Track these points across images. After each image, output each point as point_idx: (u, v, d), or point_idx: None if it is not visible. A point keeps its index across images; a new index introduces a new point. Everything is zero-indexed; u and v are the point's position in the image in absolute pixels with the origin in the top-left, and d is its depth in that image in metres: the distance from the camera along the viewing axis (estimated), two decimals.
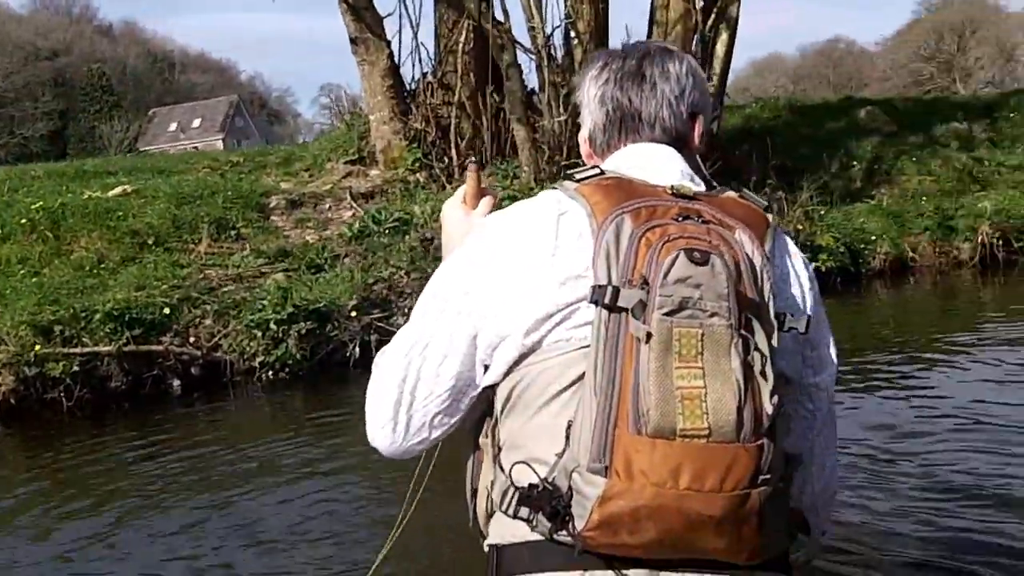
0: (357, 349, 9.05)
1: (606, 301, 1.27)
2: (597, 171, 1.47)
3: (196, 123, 71.78)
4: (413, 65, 12.82)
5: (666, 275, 1.25)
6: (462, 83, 12.38)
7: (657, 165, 1.52)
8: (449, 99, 12.45)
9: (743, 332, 1.25)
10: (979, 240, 12.67)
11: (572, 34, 11.76)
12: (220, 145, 59.99)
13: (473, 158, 1.86)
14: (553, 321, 1.37)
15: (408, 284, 9.72)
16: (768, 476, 1.25)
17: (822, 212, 12.27)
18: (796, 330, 1.35)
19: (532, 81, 12.04)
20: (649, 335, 1.24)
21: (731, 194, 1.46)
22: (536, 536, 1.35)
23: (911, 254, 12.76)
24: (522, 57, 11.73)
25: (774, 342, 1.30)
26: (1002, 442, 5.26)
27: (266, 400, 8.58)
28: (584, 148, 1.68)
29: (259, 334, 8.85)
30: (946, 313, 10.64)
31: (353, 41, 12.41)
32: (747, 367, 1.25)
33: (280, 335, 8.83)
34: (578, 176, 1.47)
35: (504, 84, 11.48)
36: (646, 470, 1.22)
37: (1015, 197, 13.68)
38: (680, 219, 1.33)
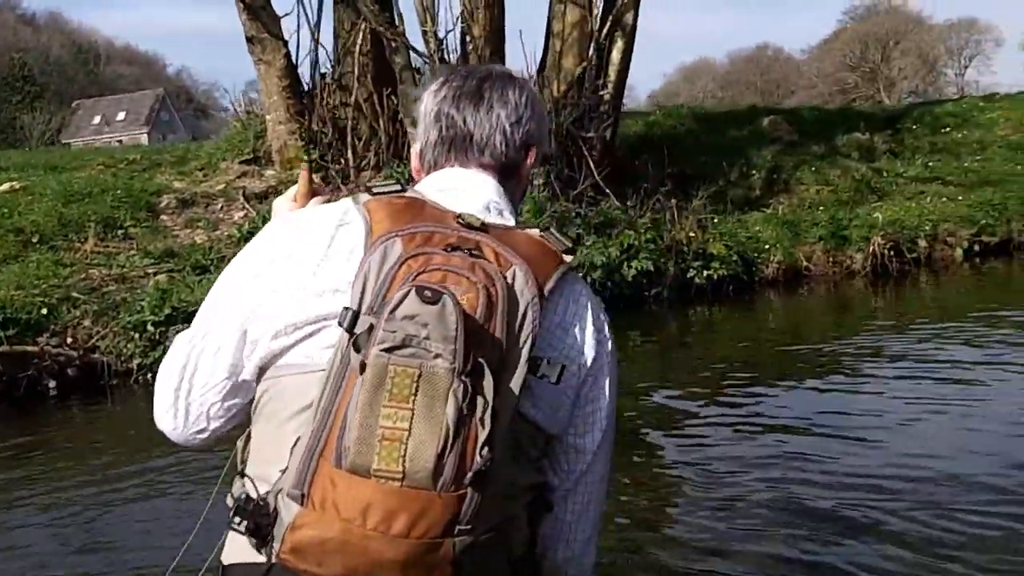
0: None
1: (346, 324, 1.25)
2: (396, 188, 1.45)
3: (121, 116, 70.41)
4: (311, 66, 12.56)
5: (393, 310, 1.22)
6: (359, 84, 12.27)
7: (465, 191, 1.49)
8: (346, 100, 12.33)
9: (465, 378, 1.21)
10: (871, 250, 12.88)
11: (468, 38, 11.70)
12: (145, 139, 58.89)
13: (306, 159, 1.80)
14: (301, 333, 1.36)
15: None
16: (468, 527, 1.23)
17: (715, 220, 12.36)
18: (548, 379, 1.32)
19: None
20: (364, 367, 1.21)
21: (531, 232, 1.42)
22: (257, 558, 1.33)
23: (805, 263, 12.93)
24: (419, 61, 11.64)
25: (514, 387, 1.28)
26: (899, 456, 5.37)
27: (144, 402, 8.37)
28: (414, 163, 1.65)
29: (136, 336, 8.67)
30: (835, 323, 10.79)
31: (250, 40, 12.22)
32: (463, 414, 1.21)
33: (158, 337, 8.65)
34: (376, 190, 1.45)
35: (398, 87, 11.38)
36: (338, 504, 1.20)
37: (909, 208, 13.96)
38: (449, 250, 1.30)
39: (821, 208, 13.70)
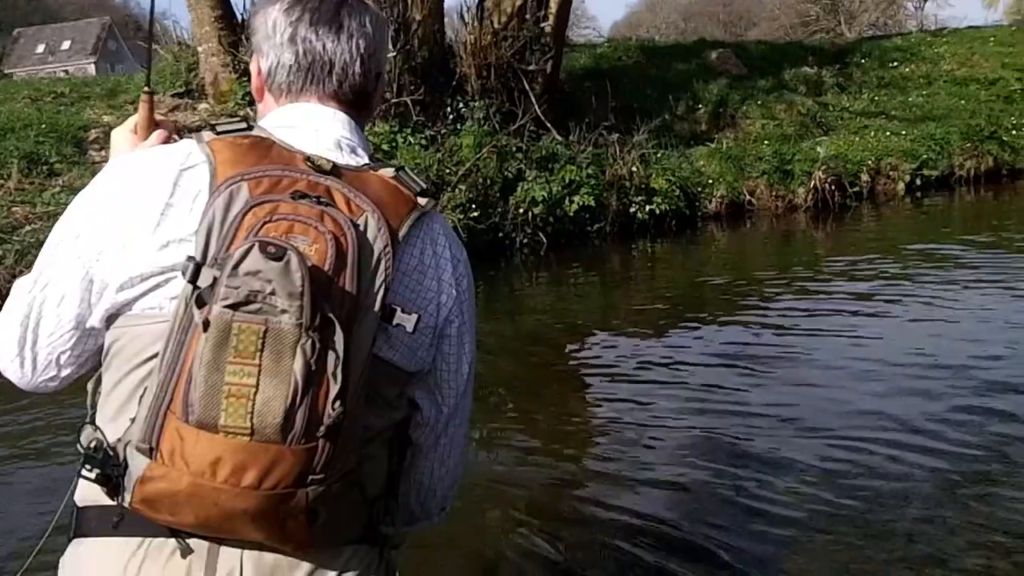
0: None
1: (188, 276, 1.21)
2: (242, 126, 1.37)
3: (66, 45, 68.19)
4: None
5: (236, 266, 1.18)
6: None
7: (317, 129, 1.42)
8: None
9: (312, 332, 1.18)
10: (813, 184, 12.86)
11: None
12: (92, 69, 57.20)
13: (147, 88, 1.64)
14: (148, 284, 1.30)
15: None
16: (321, 476, 1.23)
17: (659, 155, 12.24)
18: (403, 327, 1.32)
19: None
20: (208, 323, 1.18)
21: (384, 172, 1.37)
22: (108, 501, 1.31)
23: (748, 197, 12.88)
24: None
25: (367, 337, 1.27)
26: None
27: None
28: (255, 82, 1.52)
29: None
30: (776, 259, 10.76)
31: None
32: (312, 368, 1.19)
33: None
34: (220, 128, 1.36)
35: None
36: (187, 459, 1.20)
37: (853, 142, 13.92)
38: (297, 197, 1.25)
39: (766, 143, 13.62)
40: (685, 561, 3.53)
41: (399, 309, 1.31)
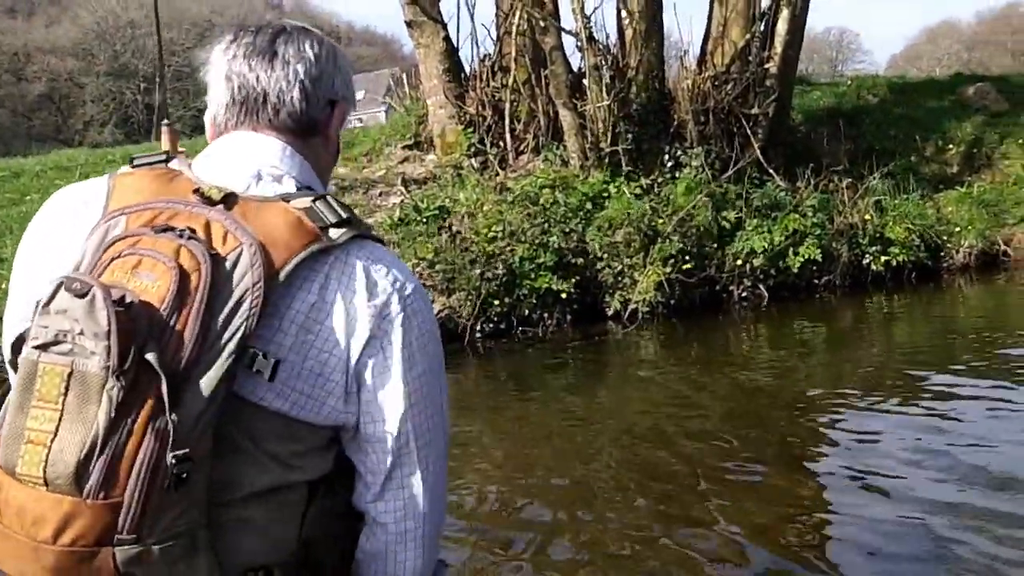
0: None
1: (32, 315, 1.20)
2: (161, 158, 1.38)
3: (360, 95, 73.15)
4: (472, 48, 12.43)
5: (47, 304, 1.16)
6: (517, 66, 12.01)
7: (233, 157, 1.39)
8: (506, 82, 12.10)
9: (121, 377, 1.11)
10: None
11: (623, 14, 11.19)
12: (382, 116, 60.77)
13: (167, 121, 1.75)
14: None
15: (430, 277, 9.49)
16: (133, 536, 1.13)
17: (895, 201, 11.33)
18: (262, 374, 1.23)
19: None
20: (16, 365, 1.18)
21: (297, 202, 1.30)
22: None
23: (1004, 247, 11.68)
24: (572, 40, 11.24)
25: (210, 384, 1.17)
26: None
27: None
28: (209, 131, 1.51)
29: None
30: None
31: (409, 24, 12.23)
32: (116, 415, 1.11)
33: None
34: (137, 161, 1.39)
35: (549, 68, 11.04)
36: (1, 505, 1.16)
37: None
38: (159, 231, 1.22)
39: None
40: None
41: (261, 354, 1.22)
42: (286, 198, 1.30)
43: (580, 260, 9.88)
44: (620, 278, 9.91)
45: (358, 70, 77.69)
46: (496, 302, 9.38)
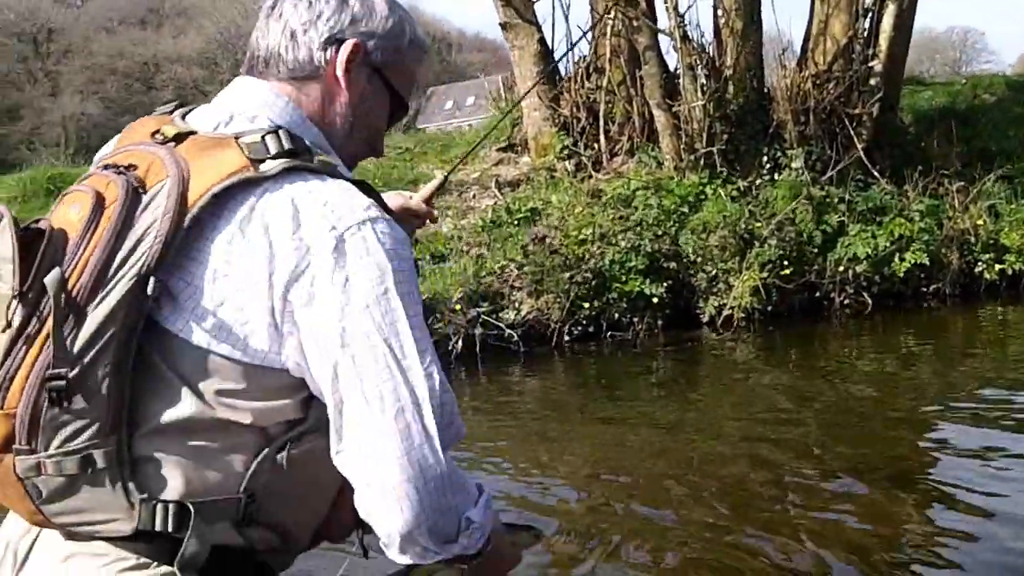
0: (460, 343, 8.82)
1: None
2: (170, 108, 1.45)
3: (470, 101, 73.77)
4: (566, 49, 12.28)
5: None
6: (612, 67, 11.80)
7: (218, 102, 1.44)
8: (601, 84, 11.90)
9: (23, 297, 1.21)
10: None
11: (719, 12, 10.88)
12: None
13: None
14: None
15: (518, 278, 9.36)
16: (28, 447, 1.22)
17: (1012, 207, 10.72)
18: (158, 304, 1.24)
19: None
20: None
21: (247, 138, 1.30)
22: None
23: None
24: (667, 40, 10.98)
25: (109, 308, 1.20)
26: None
27: None
28: None
29: None
30: None
31: (503, 27, 12.14)
32: (14, 334, 1.21)
33: None
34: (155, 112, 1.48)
35: (643, 68, 10.81)
36: None
37: None
38: (105, 168, 1.30)
39: None
40: None
41: (162, 282, 1.22)
42: (239, 135, 1.31)
43: (673, 264, 9.62)
44: (714, 283, 9.62)
45: (468, 76, 78.42)
46: (586, 305, 9.20)
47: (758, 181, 10.39)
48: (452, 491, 1.26)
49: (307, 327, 1.23)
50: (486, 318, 8.98)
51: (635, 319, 9.38)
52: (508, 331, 8.81)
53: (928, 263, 9.90)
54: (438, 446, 1.24)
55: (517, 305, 9.27)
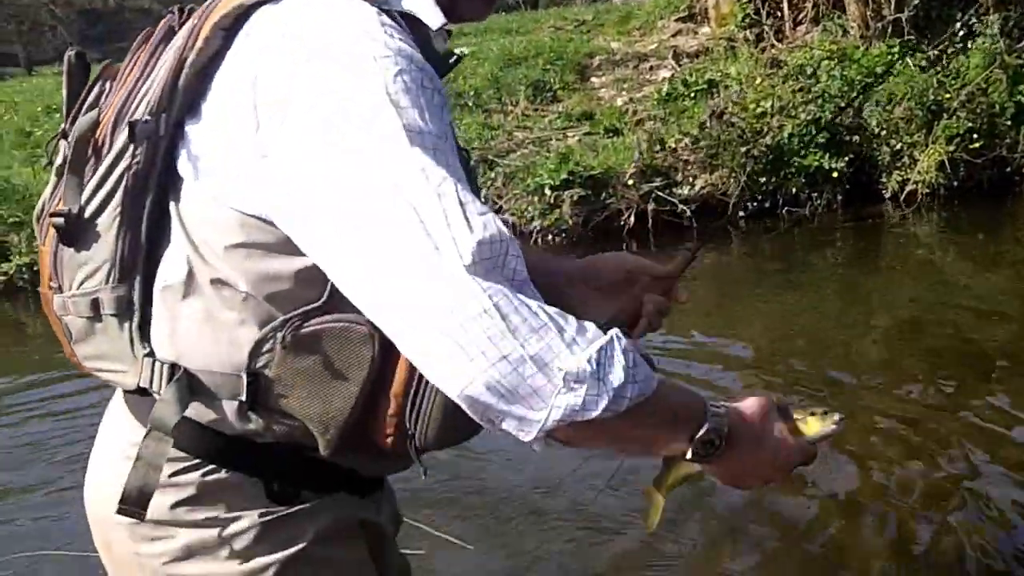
0: (632, 218, 8.95)
1: None
2: None
3: None
4: None
5: None
6: None
7: None
8: None
9: (66, 136, 1.27)
10: None
11: None
12: None
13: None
14: None
15: (692, 154, 9.35)
16: (59, 285, 1.33)
17: None
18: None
19: None
20: None
21: None
22: None
23: None
24: None
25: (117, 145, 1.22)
26: None
27: None
28: None
29: (535, 199, 9.03)
30: None
31: None
32: (61, 172, 1.28)
33: (554, 200, 8.94)
34: None
35: None
36: None
37: None
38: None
39: None
40: None
41: (180, 123, 1.19)
42: None
43: (855, 137, 9.37)
44: (899, 157, 9.32)
45: None
46: (762, 180, 9.12)
47: (950, 50, 9.88)
48: (512, 329, 0.99)
49: (283, 164, 1.08)
50: (658, 193, 9.03)
51: (814, 195, 9.25)
52: (681, 206, 8.86)
53: None
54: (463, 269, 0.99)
55: (691, 180, 9.28)
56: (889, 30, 10.00)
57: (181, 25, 1.25)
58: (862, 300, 6.67)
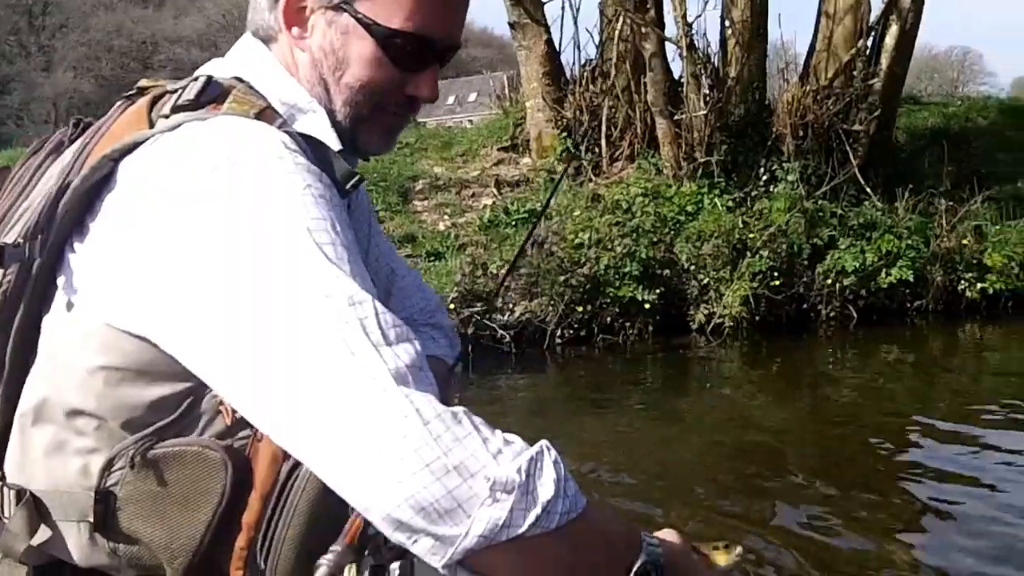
0: None
1: None
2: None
3: (472, 97, 73.29)
4: (574, 51, 12.43)
5: None
6: (618, 72, 11.97)
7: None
8: (606, 88, 12.07)
9: None
10: None
11: (727, 23, 11.07)
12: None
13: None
14: None
15: (512, 280, 9.54)
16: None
17: (997, 228, 10.95)
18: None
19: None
20: None
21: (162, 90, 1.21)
22: None
23: None
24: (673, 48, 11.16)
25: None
26: None
27: None
28: None
29: None
30: None
31: (512, 26, 12.30)
32: None
33: None
34: None
35: (648, 74, 10.98)
36: None
37: None
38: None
39: None
40: None
41: (57, 248, 1.14)
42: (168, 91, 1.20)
43: (666, 271, 9.82)
44: (706, 291, 9.83)
45: (472, 71, 77.58)
46: (579, 308, 9.39)
47: (754, 192, 10.60)
48: (435, 437, 0.92)
49: (180, 296, 1.02)
50: (477, 318, 9.14)
51: (627, 324, 9.58)
52: (501, 332, 8.99)
53: (913, 279, 10.13)
54: (388, 375, 0.94)
55: (510, 307, 9.45)
56: (699, 171, 10.62)
57: (72, 141, 1.22)
58: (673, 422, 6.91)
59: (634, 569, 1.02)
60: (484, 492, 0.90)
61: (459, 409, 0.95)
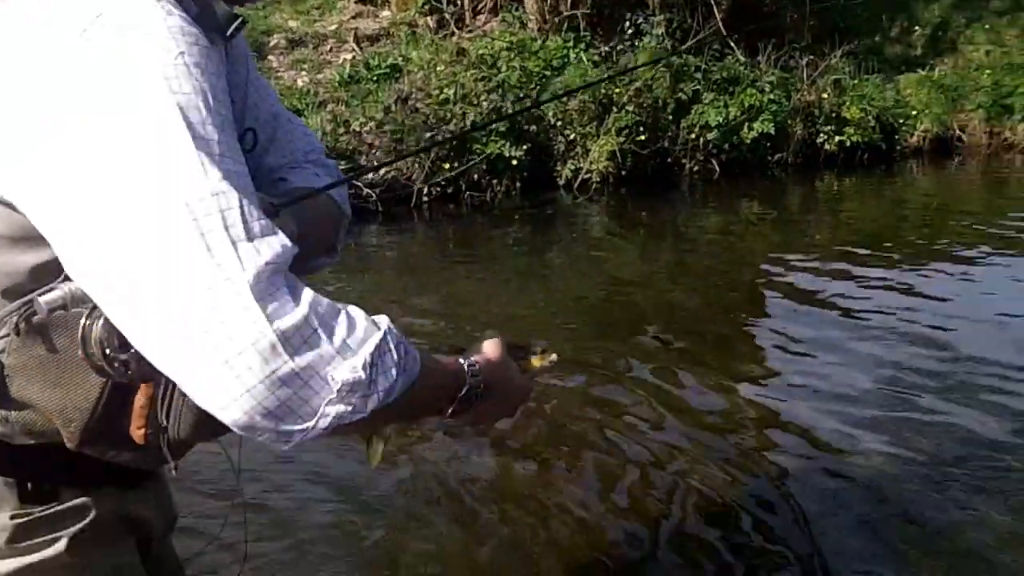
0: None
1: None
2: None
3: None
4: None
5: None
6: None
7: None
8: None
9: None
10: None
11: None
12: None
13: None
14: None
15: (377, 138, 9.26)
16: None
17: (855, 82, 11.18)
18: None
19: None
20: None
21: None
22: None
23: (958, 133, 11.64)
24: None
25: None
26: None
27: None
28: None
29: None
30: (984, 203, 9.68)
31: None
32: None
33: None
34: None
35: None
36: None
37: None
38: None
39: (987, 72, 12.19)
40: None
41: None
42: None
43: (533, 127, 9.68)
44: (573, 147, 9.76)
45: None
46: (446, 166, 9.19)
47: (620, 47, 10.46)
48: (285, 339, 0.91)
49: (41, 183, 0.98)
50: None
51: (495, 181, 9.46)
52: (367, 191, 8.75)
53: (774, 133, 10.29)
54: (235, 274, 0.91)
55: (374, 163, 9.18)
56: (565, 25, 10.40)
57: None
58: (537, 277, 6.92)
59: (458, 397, 1.18)
60: (331, 392, 0.93)
61: (307, 301, 0.94)
